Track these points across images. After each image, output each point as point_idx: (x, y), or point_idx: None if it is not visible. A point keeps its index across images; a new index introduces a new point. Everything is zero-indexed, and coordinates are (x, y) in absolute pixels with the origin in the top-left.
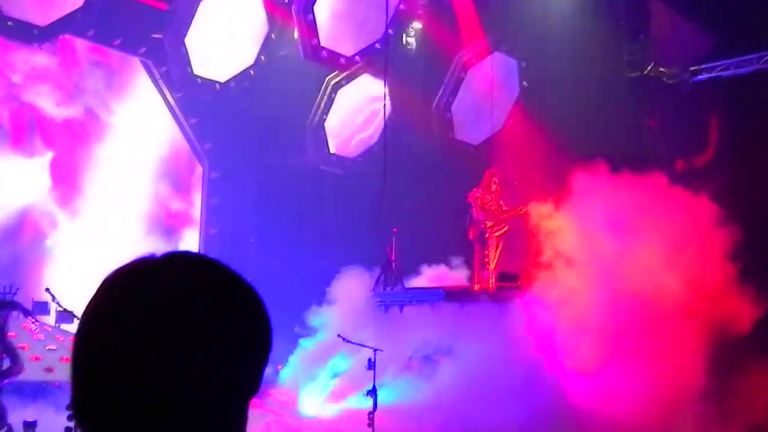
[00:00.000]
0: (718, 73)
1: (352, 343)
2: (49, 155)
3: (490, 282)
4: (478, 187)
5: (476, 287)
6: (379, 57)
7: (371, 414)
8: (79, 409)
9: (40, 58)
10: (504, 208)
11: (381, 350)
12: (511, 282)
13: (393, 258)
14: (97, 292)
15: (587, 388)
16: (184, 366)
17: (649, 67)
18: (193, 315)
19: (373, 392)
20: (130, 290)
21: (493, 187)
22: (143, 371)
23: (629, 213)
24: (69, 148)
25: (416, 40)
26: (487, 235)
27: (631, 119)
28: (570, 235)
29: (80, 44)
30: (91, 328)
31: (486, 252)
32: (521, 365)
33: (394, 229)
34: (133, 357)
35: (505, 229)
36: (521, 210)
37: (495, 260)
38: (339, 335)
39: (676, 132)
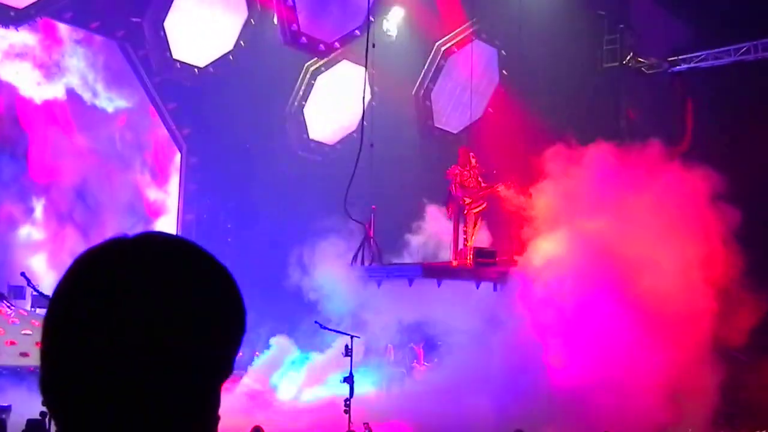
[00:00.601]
0: (696, 64)
1: (329, 329)
2: (26, 139)
3: (468, 258)
4: (457, 164)
5: (454, 263)
6: (359, 44)
7: (347, 401)
8: (48, 391)
9: (21, 35)
10: (483, 185)
11: (358, 336)
12: (488, 258)
13: (371, 234)
14: (67, 272)
15: (571, 375)
16: (155, 347)
17: (628, 57)
18: (165, 296)
19: (349, 379)
20: (100, 270)
21: (473, 161)
22: (113, 353)
23: (611, 186)
24: (48, 132)
25: (397, 27)
26: (465, 212)
27: (610, 109)
28: (550, 210)
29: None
30: (60, 308)
31: (464, 228)
32: (509, 349)
33: (373, 206)
34: (102, 338)
35: (483, 206)
36: (499, 187)
37: (473, 237)
38: (316, 321)
39: (654, 122)
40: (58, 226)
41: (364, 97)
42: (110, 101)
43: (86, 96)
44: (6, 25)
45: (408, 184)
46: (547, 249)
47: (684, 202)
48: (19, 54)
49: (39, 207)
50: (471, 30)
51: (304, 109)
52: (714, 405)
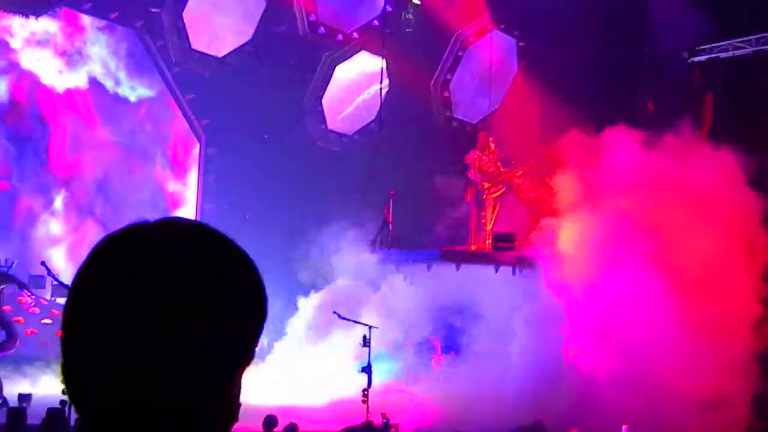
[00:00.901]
0: (716, 54)
1: (347, 319)
2: (47, 130)
3: (487, 242)
4: (476, 149)
5: (473, 247)
6: (377, 34)
7: (365, 391)
8: (69, 378)
9: (42, 22)
10: (501, 170)
11: (376, 327)
12: (507, 242)
13: (390, 219)
14: (87, 257)
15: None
16: (176, 332)
17: (647, 49)
18: (186, 280)
19: (367, 369)
20: (121, 255)
21: (492, 146)
22: (134, 338)
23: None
24: (70, 123)
25: (415, 17)
26: (484, 197)
27: (629, 100)
28: (574, 195)
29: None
30: (81, 293)
31: (483, 213)
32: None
33: (392, 191)
34: (123, 323)
35: (501, 190)
36: (519, 172)
37: (492, 221)
38: (334, 311)
39: (673, 113)
40: (78, 219)
41: (381, 88)
42: (132, 90)
43: (108, 84)
44: (26, 15)
45: (426, 174)
46: (573, 234)
47: (719, 186)
48: (41, 42)
49: (59, 200)
50: (489, 20)
51: (322, 100)
52: (749, 418)
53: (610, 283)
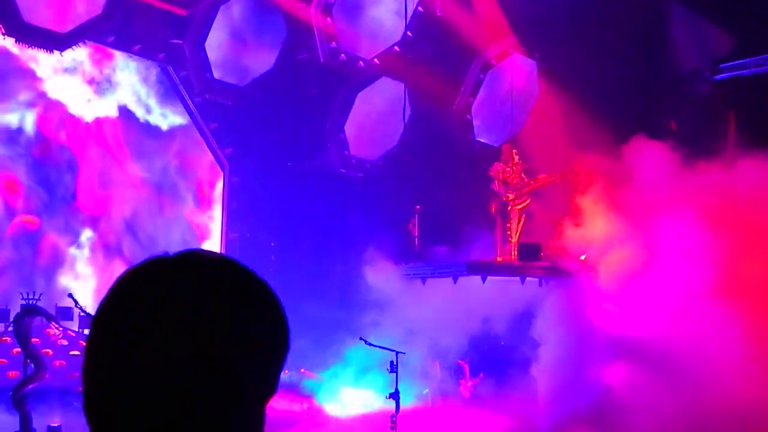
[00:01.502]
0: (738, 72)
1: (374, 345)
2: (75, 163)
3: (513, 254)
4: (499, 161)
5: (499, 259)
6: (398, 59)
7: (393, 417)
8: (92, 411)
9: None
10: (526, 180)
11: (403, 353)
12: (533, 254)
13: (416, 233)
14: (110, 291)
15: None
16: (199, 366)
17: (669, 67)
18: (208, 314)
19: (395, 395)
20: (143, 288)
21: (516, 158)
22: (157, 372)
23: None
24: (99, 157)
25: (436, 42)
26: (509, 208)
27: (652, 120)
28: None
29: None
30: (103, 327)
31: (508, 225)
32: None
33: (417, 206)
34: (146, 356)
35: (527, 202)
36: (552, 179)
37: (517, 233)
38: (361, 338)
39: (697, 132)
40: (105, 260)
41: (404, 113)
42: (164, 118)
43: (139, 113)
44: (50, 50)
45: (450, 198)
46: (619, 252)
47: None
48: (68, 69)
49: (86, 239)
50: (511, 43)
51: (344, 126)
52: None
53: (661, 298)
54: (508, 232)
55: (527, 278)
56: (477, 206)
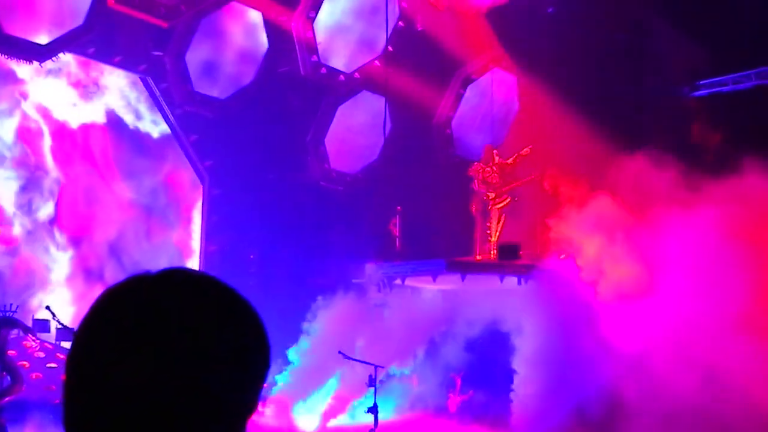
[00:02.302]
0: (717, 89)
1: (353, 359)
2: (57, 176)
3: (492, 253)
4: (480, 161)
5: (478, 258)
6: (379, 73)
7: (372, 431)
8: (70, 428)
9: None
10: (507, 180)
11: (382, 367)
12: (512, 253)
13: (396, 233)
14: (91, 308)
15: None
16: (180, 384)
17: (648, 84)
18: (190, 332)
19: (374, 409)
20: (124, 306)
21: (496, 159)
22: (138, 390)
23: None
24: (83, 172)
25: (417, 56)
26: (489, 207)
27: (633, 135)
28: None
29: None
30: (84, 344)
31: (488, 224)
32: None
33: (398, 207)
34: (127, 375)
35: (506, 201)
36: (531, 178)
37: (497, 232)
38: (339, 351)
39: (677, 149)
40: (85, 284)
41: (384, 127)
42: (155, 125)
43: (128, 119)
44: (29, 60)
45: (431, 207)
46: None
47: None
48: (52, 71)
49: (65, 261)
50: (490, 58)
51: (324, 140)
52: None
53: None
54: (488, 232)
55: (506, 277)
56: (457, 212)
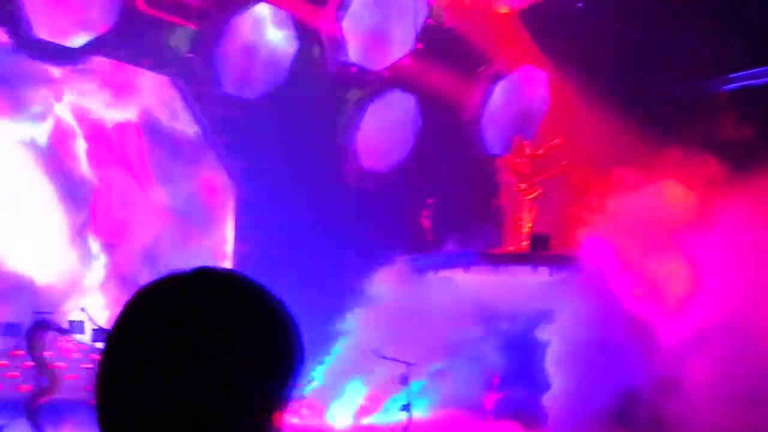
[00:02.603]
0: (749, 82)
1: (386, 358)
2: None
3: (523, 244)
4: (510, 152)
5: (509, 249)
6: (408, 71)
7: (406, 429)
8: (105, 426)
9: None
10: (537, 170)
11: (415, 364)
12: (543, 244)
13: (428, 225)
14: (124, 308)
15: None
16: (213, 382)
17: (680, 78)
18: (222, 330)
19: (407, 407)
20: (157, 306)
21: (526, 150)
22: (170, 388)
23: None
24: (118, 176)
25: (446, 53)
26: (519, 199)
27: (664, 131)
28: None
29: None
30: (118, 344)
31: (518, 216)
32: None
33: (429, 200)
34: (160, 374)
35: (537, 191)
36: (562, 167)
37: (528, 223)
38: (372, 350)
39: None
40: (119, 290)
41: (414, 124)
42: (191, 125)
43: (163, 117)
44: (61, 65)
45: (461, 207)
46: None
47: None
48: (86, 71)
49: (99, 267)
50: (520, 54)
51: (355, 138)
52: None
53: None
54: (519, 223)
55: (538, 267)
56: (488, 208)
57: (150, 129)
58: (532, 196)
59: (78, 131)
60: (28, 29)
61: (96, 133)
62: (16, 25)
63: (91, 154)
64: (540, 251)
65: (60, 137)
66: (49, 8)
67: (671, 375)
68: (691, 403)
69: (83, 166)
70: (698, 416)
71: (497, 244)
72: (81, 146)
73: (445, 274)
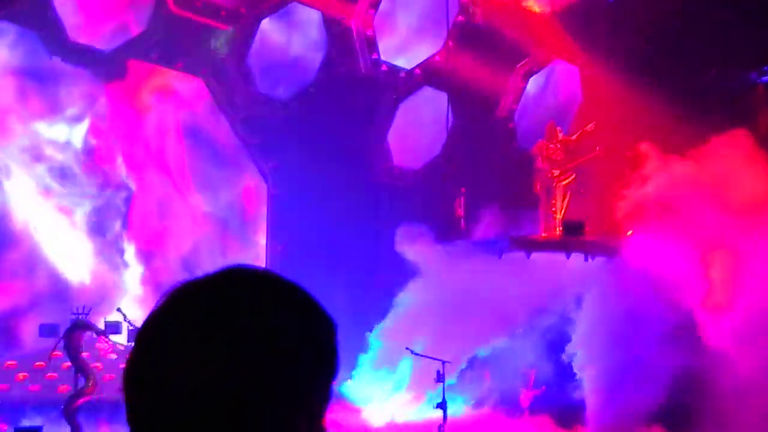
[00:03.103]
0: None
1: (421, 355)
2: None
3: (557, 230)
4: (543, 138)
5: (543, 235)
6: (439, 69)
7: (441, 427)
8: (136, 423)
9: None
10: (570, 157)
11: (449, 362)
12: (577, 230)
13: (461, 213)
14: (155, 307)
15: None
16: (249, 373)
17: (715, 70)
18: (258, 320)
19: (442, 404)
20: (189, 300)
21: (560, 135)
22: (209, 380)
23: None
24: (157, 182)
25: (476, 50)
26: (553, 185)
27: (700, 124)
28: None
29: None
30: (148, 340)
31: (552, 202)
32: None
33: (462, 188)
34: (193, 373)
35: (571, 177)
36: (596, 154)
37: (562, 210)
38: (407, 348)
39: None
40: (156, 297)
41: (447, 122)
42: (224, 126)
43: (197, 120)
44: (94, 68)
45: (495, 201)
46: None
47: None
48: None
49: (137, 273)
50: (552, 50)
51: (387, 136)
52: None
53: None
54: (553, 209)
55: (572, 253)
56: (521, 201)
57: (186, 132)
58: (565, 182)
59: (115, 135)
60: (63, 33)
61: (134, 138)
62: (52, 28)
63: (128, 158)
64: (574, 237)
65: (97, 139)
66: (82, 12)
67: (716, 369)
68: (735, 400)
69: (120, 169)
70: (741, 413)
71: (531, 232)
72: (119, 150)
73: (479, 261)
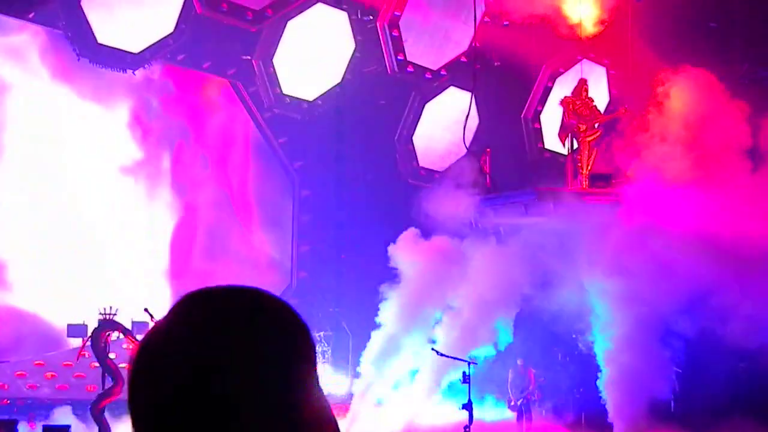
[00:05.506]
0: None
1: (446, 356)
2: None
3: (584, 184)
4: (570, 94)
5: (569, 188)
6: (465, 70)
7: (467, 428)
8: (136, 423)
9: None
10: (596, 113)
11: (475, 363)
12: (604, 182)
13: (487, 170)
14: (166, 315)
15: None
16: (245, 389)
17: (744, 67)
18: (249, 347)
19: (468, 406)
20: (194, 314)
21: (584, 94)
22: (208, 392)
23: None
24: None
25: (502, 50)
26: (579, 140)
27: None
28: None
29: None
30: (153, 345)
31: (578, 156)
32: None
33: (488, 149)
34: (196, 377)
35: (597, 133)
36: (624, 112)
37: (588, 165)
38: (433, 349)
39: None
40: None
41: (470, 122)
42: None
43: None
44: (123, 70)
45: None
46: None
47: None
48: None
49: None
50: (579, 50)
51: (412, 137)
52: None
53: None
54: (579, 164)
55: (597, 205)
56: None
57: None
58: (592, 137)
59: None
60: (91, 35)
61: (183, 147)
62: (80, 31)
63: (176, 163)
64: (601, 188)
65: (147, 144)
66: (110, 15)
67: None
68: None
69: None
70: None
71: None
72: (170, 156)
73: (504, 218)
